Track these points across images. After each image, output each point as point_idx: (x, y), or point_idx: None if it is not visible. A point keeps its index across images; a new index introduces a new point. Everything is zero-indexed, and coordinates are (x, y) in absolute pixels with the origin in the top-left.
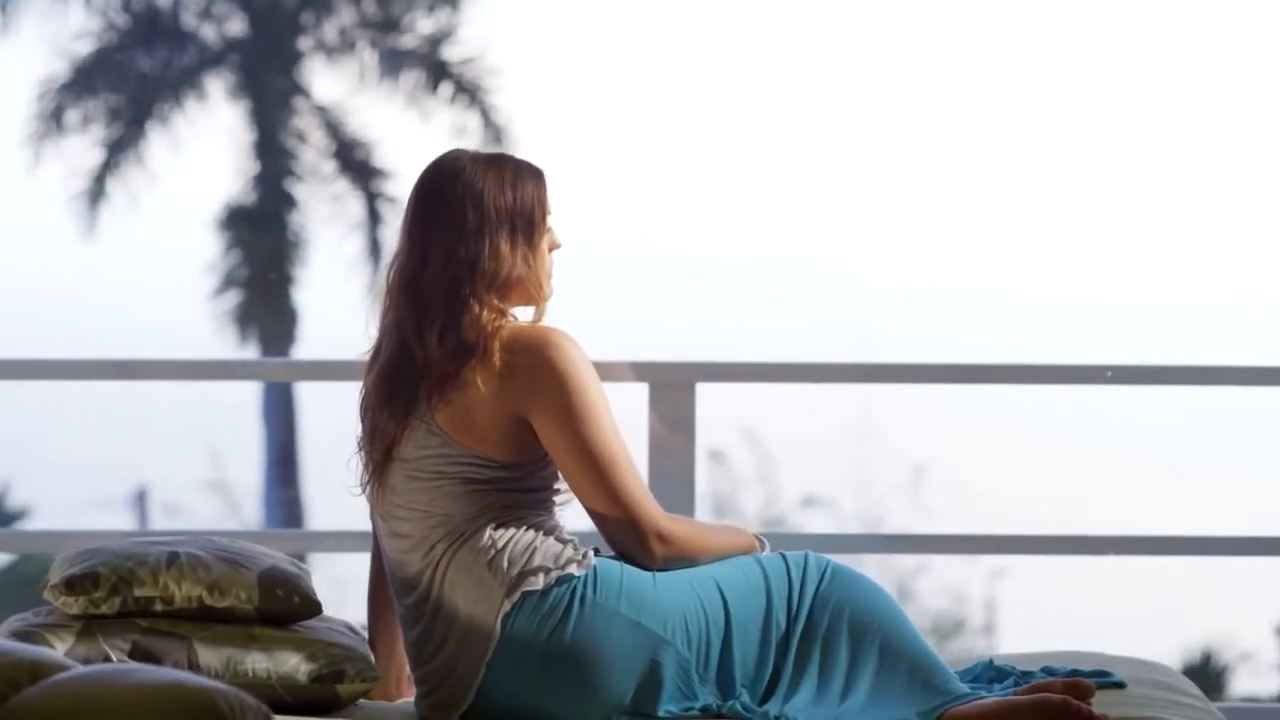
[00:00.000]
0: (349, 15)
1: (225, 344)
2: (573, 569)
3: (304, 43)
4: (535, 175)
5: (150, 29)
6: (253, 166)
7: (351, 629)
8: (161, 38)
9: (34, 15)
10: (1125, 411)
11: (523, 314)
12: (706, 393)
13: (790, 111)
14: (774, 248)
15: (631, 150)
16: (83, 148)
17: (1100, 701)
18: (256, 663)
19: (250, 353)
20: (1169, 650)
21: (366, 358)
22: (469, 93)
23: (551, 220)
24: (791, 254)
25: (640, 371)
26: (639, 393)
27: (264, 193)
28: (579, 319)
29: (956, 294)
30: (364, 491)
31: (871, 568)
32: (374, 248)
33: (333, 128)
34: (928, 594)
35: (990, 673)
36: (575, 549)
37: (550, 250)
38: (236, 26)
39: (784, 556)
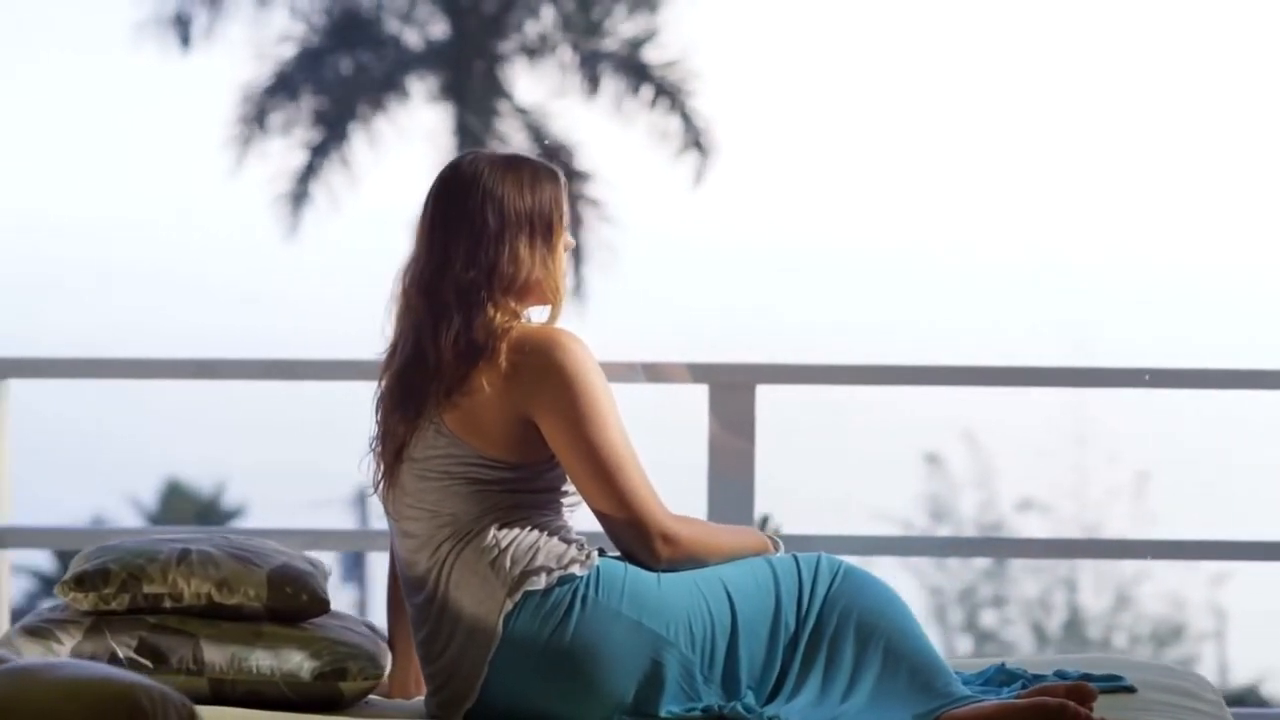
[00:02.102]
0: (550, 18)
1: None
2: (575, 569)
3: (505, 46)
4: (552, 178)
5: (352, 32)
6: None
7: (371, 627)
8: (363, 41)
9: (239, 20)
10: None
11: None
12: (921, 395)
13: (994, 107)
14: (983, 245)
15: (833, 150)
16: (285, 150)
17: (1107, 705)
18: (261, 660)
19: None
20: None
21: (382, 359)
22: (670, 96)
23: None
24: (1006, 252)
25: (699, 373)
26: (699, 394)
27: None
28: (779, 312)
29: (1180, 291)
30: (376, 491)
31: (1088, 574)
32: (576, 250)
33: (534, 130)
34: (1148, 599)
35: (1001, 676)
36: (580, 549)
37: (564, 250)
38: (438, 29)
39: (796, 558)
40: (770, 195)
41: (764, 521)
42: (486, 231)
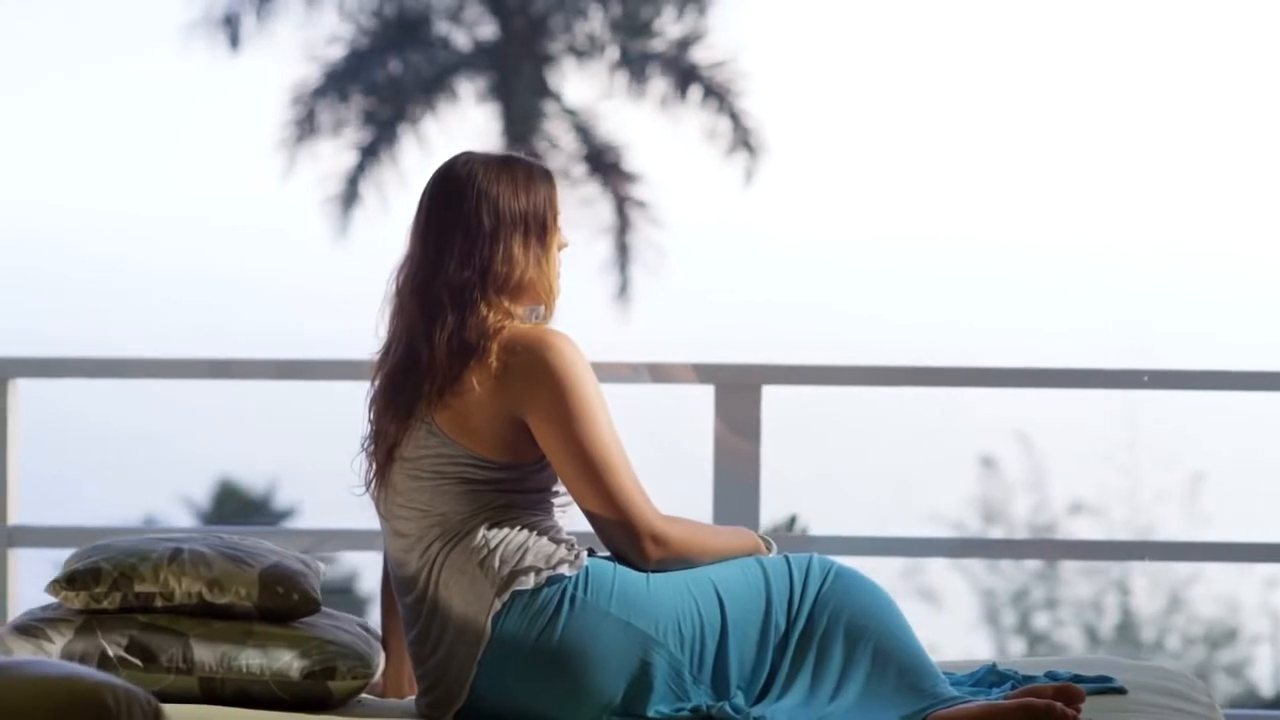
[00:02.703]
0: (598, 19)
1: None
2: (564, 569)
3: (554, 47)
4: (546, 178)
5: (401, 33)
6: None
7: (364, 626)
8: (412, 42)
9: (288, 21)
10: None
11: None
12: (977, 398)
13: (1049, 105)
14: (1037, 244)
15: (883, 148)
16: (335, 151)
17: (1096, 706)
18: (251, 659)
19: None
20: None
21: (375, 359)
22: (718, 96)
23: (562, 220)
24: (1062, 251)
25: (704, 374)
26: (704, 395)
27: None
28: (831, 310)
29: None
30: (367, 491)
31: (1140, 578)
32: (623, 251)
33: (583, 131)
34: (1201, 602)
35: (992, 677)
36: (569, 549)
37: (559, 250)
38: (487, 30)
39: (788, 558)
40: (820, 194)
41: (791, 521)
42: (481, 232)
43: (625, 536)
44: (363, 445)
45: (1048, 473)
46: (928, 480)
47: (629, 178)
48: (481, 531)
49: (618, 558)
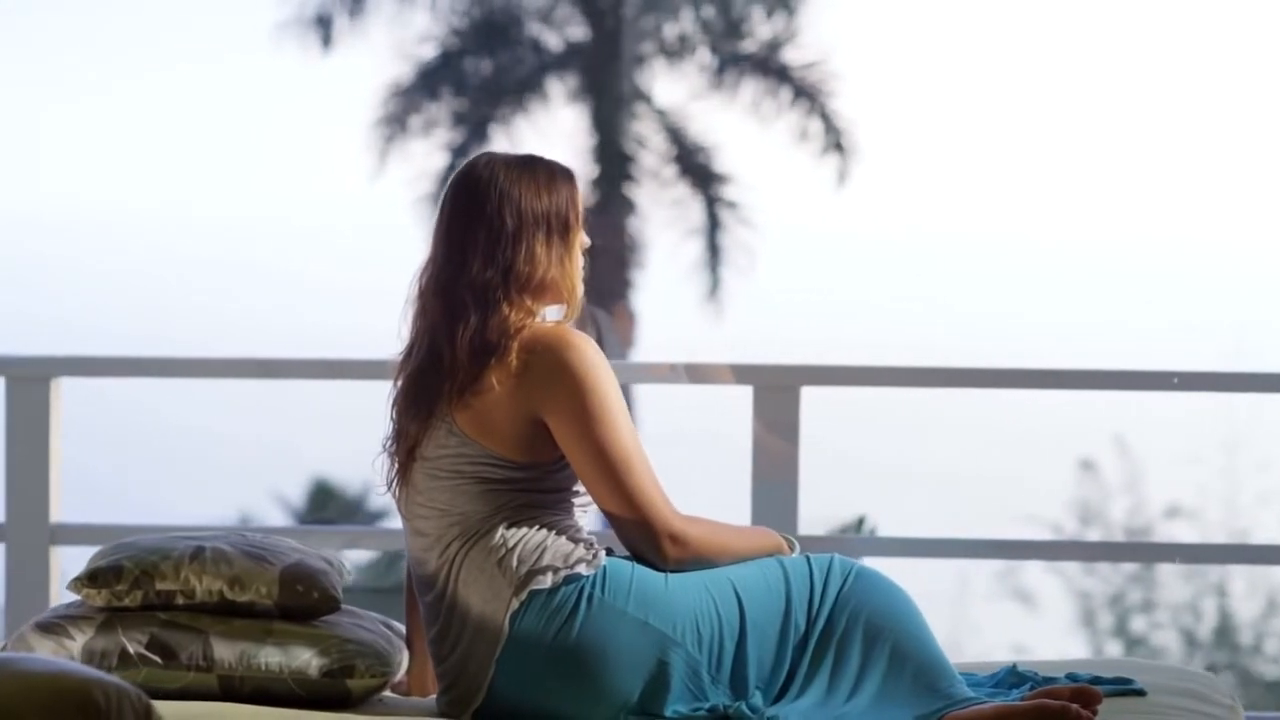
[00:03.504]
0: (689, 20)
1: None
2: (581, 568)
3: (644, 47)
4: (568, 177)
5: (491, 34)
6: (592, 170)
7: (388, 624)
8: (503, 42)
9: (381, 20)
10: None
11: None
12: (1075, 400)
13: (1143, 103)
14: (1134, 242)
15: (976, 147)
16: (426, 151)
17: (1116, 708)
18: (270, 657)
19: None
20: None
21: (398, 360)
22: (809, 97)
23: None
24: (1162, 250)
25: (743, 375)
26: (743, 396)
27: (603, 196)
28: (927, 309)
29: None
30: (389, 490)
31: (1238, 581)
32: (714, 252)
33: (673, 132)
34: None
35: (1012, 678)
36: (588, 549)
37: (582, 250)
38: (577, 31)
39: (809, 559)
40: (913, 194)
41: (860, 522)
42: (504, 231)
43: (644, 536)
44: (384, 445)
45: (1145, 475)
46: (1025, 481)
47: (720, 179)
48: (500, 531)
49: (637, 558)
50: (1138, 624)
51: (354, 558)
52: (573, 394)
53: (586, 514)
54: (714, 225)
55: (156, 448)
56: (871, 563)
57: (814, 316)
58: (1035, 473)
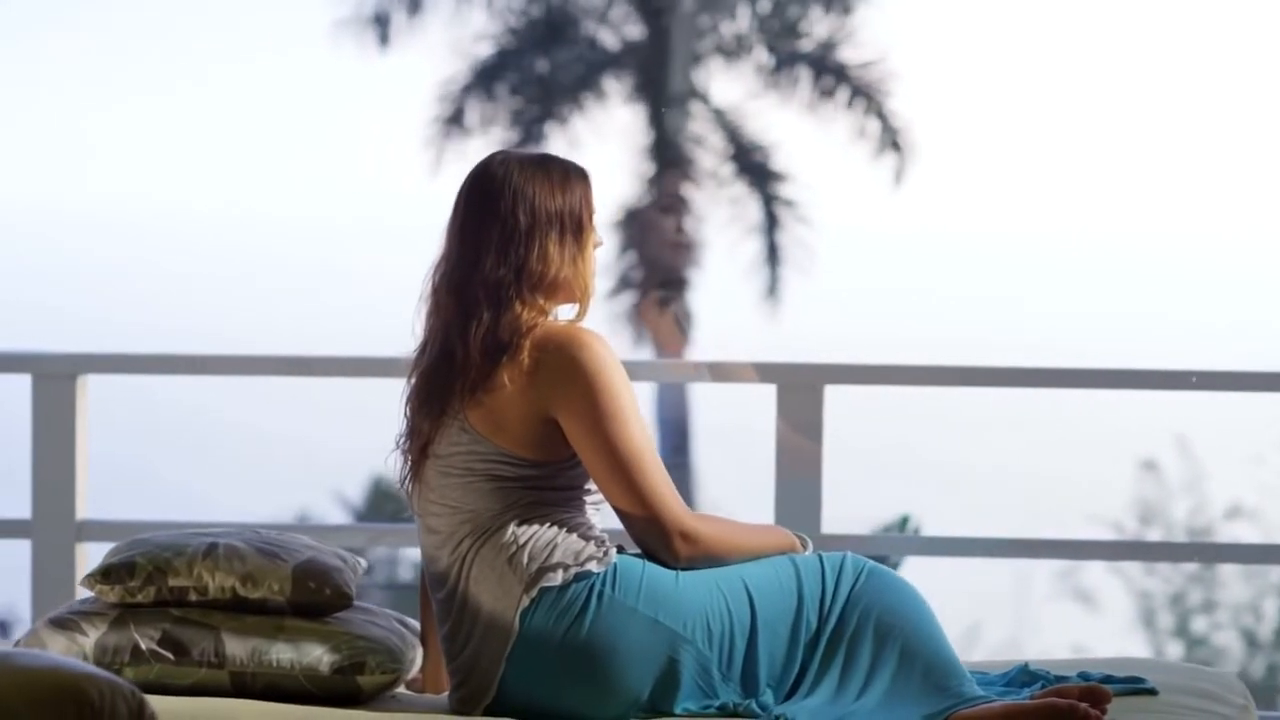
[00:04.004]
0: (746, 19)
1: (620, 346)
2: (592, 566)
3: (701, 46)
4: (582, 176)
5: (549, 32)
6: (649, 168)
7: (402, 621)
8: (560, 41)
9: (439, 18)
10: None
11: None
12: (1136, 400)
13: (1203, 101)
14: (1191, 240)
15: (1035, 145)
16: (484, 149)
17: (1127, 707)
18: (281, 653)
19: (644, 355)
20: None
21: (411, 358)
22: (866, 96)
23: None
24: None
25: (766, 373)
26: (767, 394)
27: (660, 194)
28: (989, 308)
29: None
30: (402, 487)
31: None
32: (771, 251)
33: (730, 130)
34: None
35: (1023, 677)
36: (598, 546)
37: (595, 249)
38: (634, 30)
39: (821, 557)
40: (971, 193)
41: (904, 521)
42: (517, 230)
43: (655, 534)
44: (398, 442)
45: (1206, 476)
46: (1086, 482)
47: (777, 177)
48: (511, 528)
49: (648, 556)
50: (1198, 624)
51: (411, 555)
52: (584, 392)
53: (599, 512)
54: (772, 224)
55: (221, 448)
56: (919, 562)
57: (871, 315)
58: (1096, 472)
